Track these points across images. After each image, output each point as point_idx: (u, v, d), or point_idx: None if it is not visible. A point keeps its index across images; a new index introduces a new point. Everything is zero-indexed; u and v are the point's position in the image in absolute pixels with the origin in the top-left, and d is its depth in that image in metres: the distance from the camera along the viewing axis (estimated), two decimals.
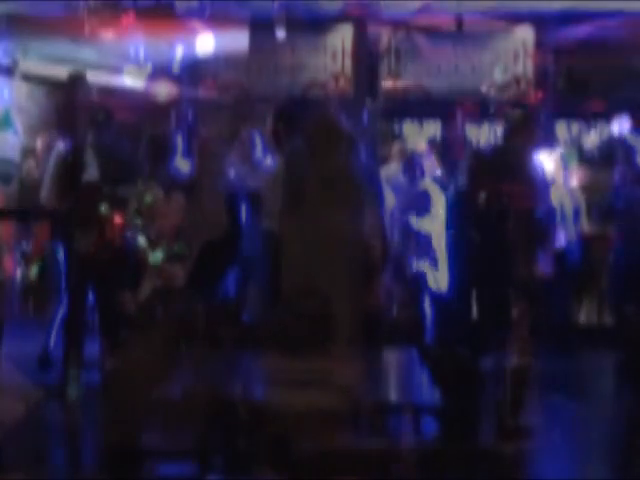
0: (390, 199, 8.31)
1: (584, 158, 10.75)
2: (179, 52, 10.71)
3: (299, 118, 7.30)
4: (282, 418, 3.95)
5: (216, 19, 10.27)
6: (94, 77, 10.62)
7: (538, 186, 7.21)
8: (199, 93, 11.05)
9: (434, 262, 8.46)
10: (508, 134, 6.97)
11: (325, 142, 6.16)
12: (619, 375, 8.00)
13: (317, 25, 10.91)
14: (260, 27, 10.68)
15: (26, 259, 8.55)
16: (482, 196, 6.65)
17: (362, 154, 7.15)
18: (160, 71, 10.73)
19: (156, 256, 7.80)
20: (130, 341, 5.83)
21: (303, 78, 11.06)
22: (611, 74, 10.56)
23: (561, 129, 10.90)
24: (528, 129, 6.81)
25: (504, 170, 6.56)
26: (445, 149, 10.75)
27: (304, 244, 5.94)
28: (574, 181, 9.70)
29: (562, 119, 10.82)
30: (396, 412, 4.60)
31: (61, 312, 8.11)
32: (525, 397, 5.92)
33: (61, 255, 8.10)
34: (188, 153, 9.30)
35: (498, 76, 10.79)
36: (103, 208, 7.71)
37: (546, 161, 8.78)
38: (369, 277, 6.26)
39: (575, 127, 11.01)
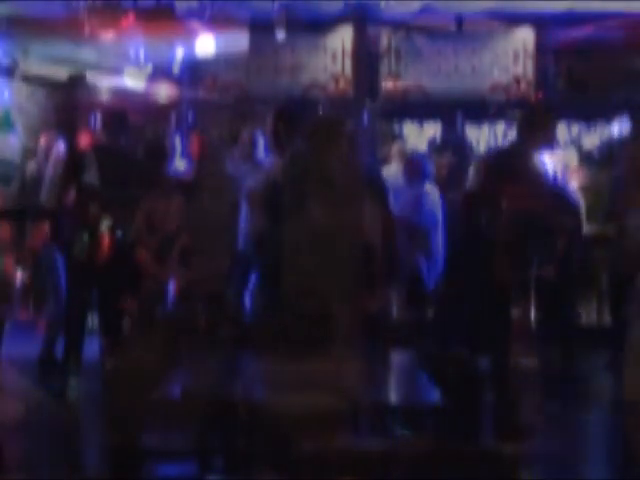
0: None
1: (584, 158, 10.75)
2: (179, 53, 10.70)
3: (299, 119, 7.30)
4: (282, 418, 3.95)
5: (216, 20, 10.26)
6: (94, 78, 10.64)
7: (550, 186, 7.22)
8: (199, 94, 11.05)
9: (433, 263, 8.45)
10: (518, 134, 6.95)
11: (328, 142, 6.16)
12: (618, 375, 7.99)
13: (317, 25, 10.91)
14: (260, 27, 10.67)
15: (26, 259, 8.54)
16: (489, 197, 6.64)
17: (363, 154, 7.16)
18: (160, 72, 10.73)
19: None
20: (130, 341, 5.84)
21: (303, 79, 11.06)
22: (611, 74, 10.56)
23: (561, 129, 10.89)
24: (538, 129, 6.79)
25: (515, 171, 6.55)
26: (445, 149, 10.76)
27: (305, 244, 5.93)
28: (574, 181, 9.70)
29: (562, 119, 10.81)
30: (396, 412, 4.60)
31: (61, 312, 8.11)
32: (522, 397, 5.94)
33: (61, 255, 8.10)
34: (188, 154, 9.31)
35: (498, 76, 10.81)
36: (103, 209, 7.72)
37: (547, 161, 8.78)
38: (372, 278, 6.27)
39: (575, 127, 11.01)
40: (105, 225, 7.69)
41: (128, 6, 9.56)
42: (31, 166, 8.87)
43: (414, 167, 8.68)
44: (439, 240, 8.47)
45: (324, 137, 6.20)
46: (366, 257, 6.16)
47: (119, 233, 7.70)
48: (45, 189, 8.25)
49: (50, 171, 8.27)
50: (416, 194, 8.52)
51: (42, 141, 8.83)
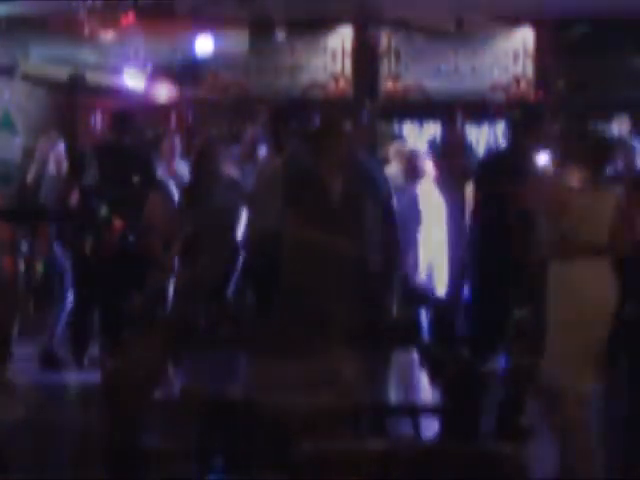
0: None
1: None
2: (179, 52, 10.71)
3: (299, 119, 7.31)
4: (282, 418, 3.95)
5: (216, 19, 10.28)
6: (94, 78, 10.64)
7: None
8: (199, 93, 11.05)
9: (434, 261, 8.45)
10: (514, 134, 6.95)
11: (327, 142, 6.17)
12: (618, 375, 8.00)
13: (317, 25, 10.92)
14: (260, 27, 10.69)
15: (27, 259, 8.55)
16: (487, 197, 6.64)
17: (364, 154, 7.16)
18: (160, 72, 10.74)
19: None
20: (130, 341, 5.84)
21: (303, 79, 11.07)
22: (611, 74, 10.57)
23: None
24: (535, 129, 6.79)
25: (512, 172, 6.55)
26: (445, 150, 10.75)
27: (305, 245, 5.93)
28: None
29: (562, 119, 10.81)
30: (396, 412, 4.60)
31: (62, 312, 8.12)
32: (525, 397, 5.93)
33: (62, 255, 8.11)
34: (188, 153, 9.31)
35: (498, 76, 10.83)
36: (104, 208, 7.72)
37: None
38: (373, 278, 6.27)
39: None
40: (106, 224, 7.70)
41: (128, 5, 9.57)
42: (32, 166, 8.88)
43: (414, 165, 8.66)
44: (440, 238, 8.45)
45: (324, 138, 6.21)
46: (366, 257, 6.16)
47: (120, 232, 7.70)
48: (46, 188, 8.26)
49: (51, 171, 8.28)
50: (416, 192, 8.51)
51: (42, 141, 8.84)
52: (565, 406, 5.26)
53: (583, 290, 5.24)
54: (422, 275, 8.42)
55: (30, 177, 8.42)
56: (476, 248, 6.98)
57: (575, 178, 5.35)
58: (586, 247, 5.23)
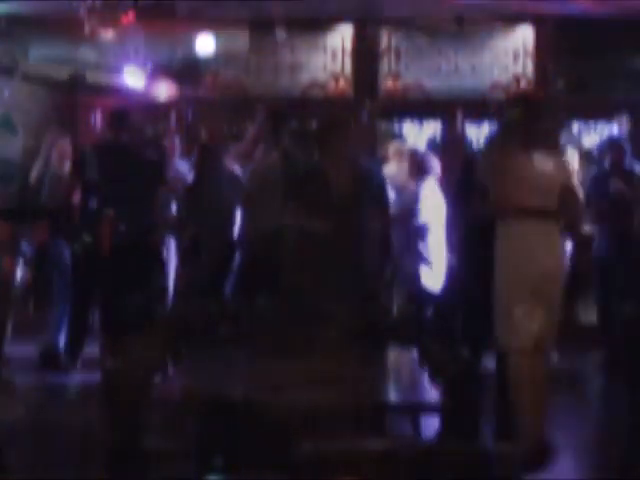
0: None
1: (584, 158, 10.74)
2: (179, 52, 10.72)
3: (298, 118, 7.32)
4: (282, 418, 3.95)
5: (216, 19, 10.28)
6: (94, 77, 10.65)
7: None
8: (199, 93, 11.05)
9: (433, 261, 8.44)
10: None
11: (327, 142, 6.17)
12: (614, 374, 8.01)
13: (317, 25, 10.92)
14: (260, 27, 10.69)
15: (27, 259, 8.56)
16: (481, 195, 6.64)
17: (363, 154, 7.17)
18: (160, 70, 10.74)
19: None
20: (130, 341, 5.84)
21: (303, 78, 11.07)
22: (611, 74, 10.57)
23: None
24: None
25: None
26: (445, 149, 10.75)
27: (304, 243, 5.94)
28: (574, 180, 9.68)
29: (562, 119, 10.81)
30: (396, 412, 4.60)
31: (64, 311, 8.12)
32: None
33: (62, 254, 8.11)
34: (188, 153, 9.32)
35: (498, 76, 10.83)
36: (104, 206, 7.72)
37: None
38: (372, 277, 6.27)
39: (575, 127, 11.01)
40: (106, 222, 7.70)
41: (128, 6, 9.56)
42: (35, 164, 8.89)
43: (418, 163, 8.65)
44: (441, 236, 8.45)
45: (326, 136, 6.21)
46: (364, 257, 6.16)
47: (121, 230, 7.71)
48: (47, 187, 8.27)
49: (52, 170, 8.29)
50: (418, 190, 8.50)
51: (43, 140, 8.84)
52: (515, 365, 5.36)
53: (530, 249, 5.34)
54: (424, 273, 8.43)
55: (33, 175, 8.43)
56: (469, 246, 7.00)
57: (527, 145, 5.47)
58: (535, 210, 5.34)
